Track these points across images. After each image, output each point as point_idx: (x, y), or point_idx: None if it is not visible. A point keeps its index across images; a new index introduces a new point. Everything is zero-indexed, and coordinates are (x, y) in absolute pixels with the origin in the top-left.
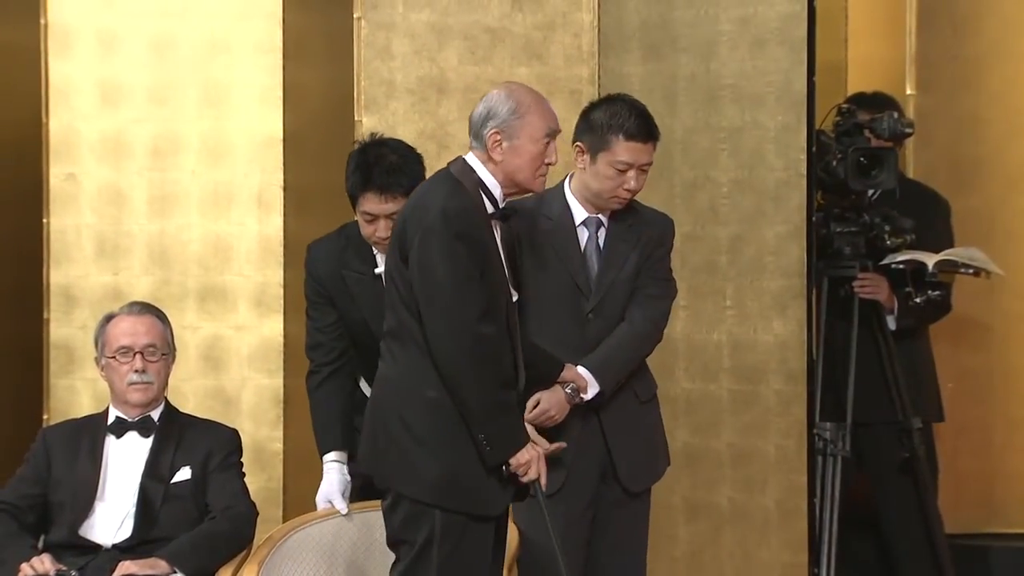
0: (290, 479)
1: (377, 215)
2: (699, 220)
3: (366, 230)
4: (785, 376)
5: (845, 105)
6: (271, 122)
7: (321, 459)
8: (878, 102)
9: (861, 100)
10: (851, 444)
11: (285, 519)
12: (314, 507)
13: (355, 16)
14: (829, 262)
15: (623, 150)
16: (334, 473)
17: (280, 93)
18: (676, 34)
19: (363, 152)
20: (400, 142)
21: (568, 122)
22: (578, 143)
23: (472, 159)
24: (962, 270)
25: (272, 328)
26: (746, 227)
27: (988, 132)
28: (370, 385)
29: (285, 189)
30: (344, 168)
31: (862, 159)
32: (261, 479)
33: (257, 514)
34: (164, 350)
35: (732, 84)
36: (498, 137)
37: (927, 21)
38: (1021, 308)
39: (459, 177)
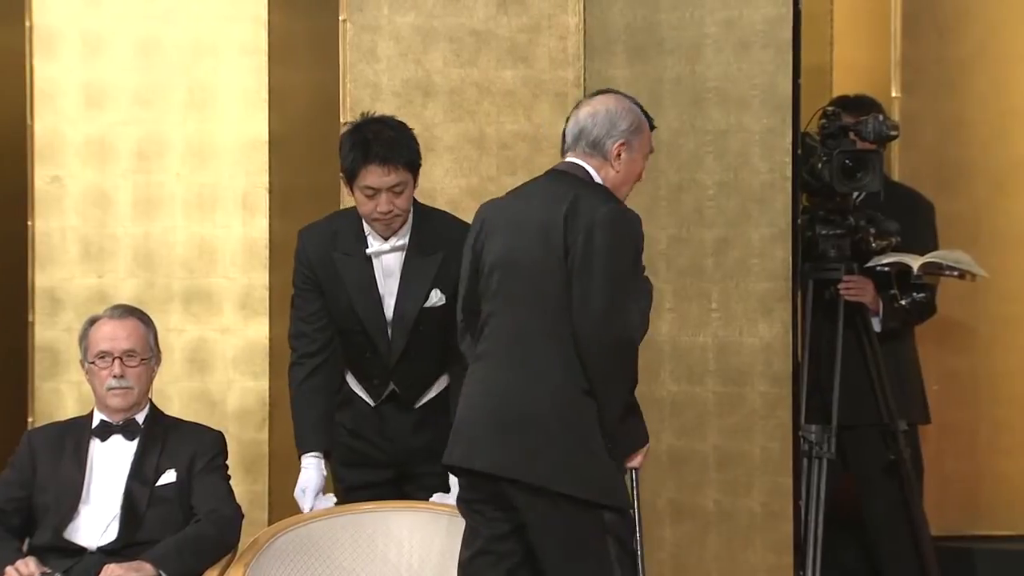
0: (275, 482)
1: (379, 188)
2: (684, 223)
3: (366, 207)
4: (770, 379)
5: (830, 108)
6: (256, 124)
7: (300, 455)
8: (863, 105)
9: (846, 103)
10: (836, 446)
11: (271, 522)
12: (300, 510)
13: (340, 18)
14: (814, 264)
15: (649, 139)
16: (313, 470)
17: (265, 95)
18: (661, 36)
19: (359, 129)
20: (393, 118)
21: (554, 125)
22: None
23: (586, 165)
24: (947, 272)
25: (257, 331)
26: (731, 230)
27: (973, 135)
28: (358, 380)
29: (270, 191)
30: (327, 170)
31: (847, 161)
32: (246, 482)
33: (243, 517)
34: (145, 355)
35: (717, 87)
36: (622, 148)
37: (912, 24)
38: (1006, 311)
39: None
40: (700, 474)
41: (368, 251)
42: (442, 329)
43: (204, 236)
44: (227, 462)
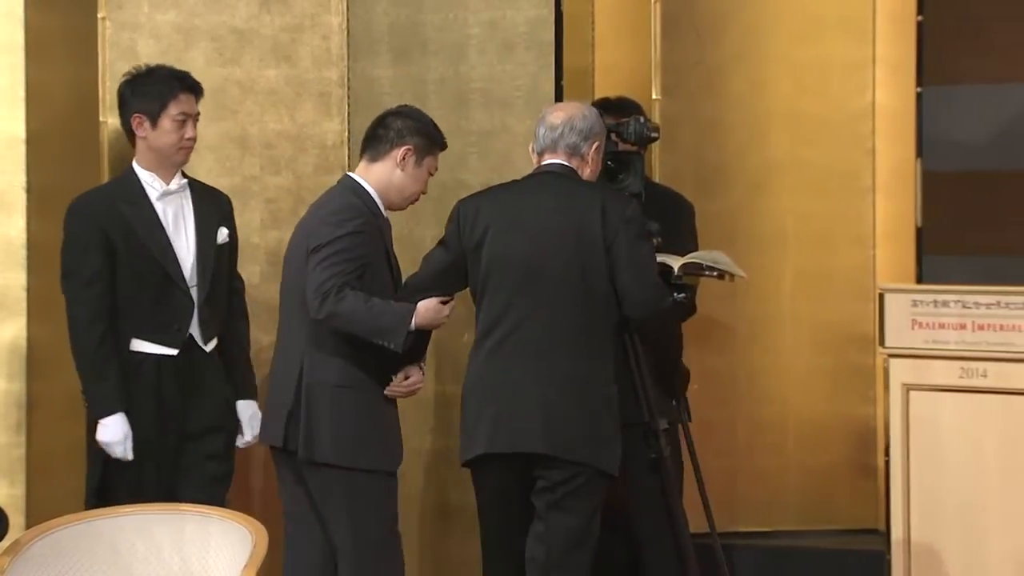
0: (33, 485)
1: (189, 115)
2: None
3: (174, 136)
4: None
5: None
6: (13, 123)
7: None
8: (624, 107)
9: (607, 105)
10: None
11: (28, 526)
12: (57, 513)
13: (100, 16)
14: None
15: (437, 157)
16: (121, 422)
17: (22, 93)
18: (425, 37)
19: (155, 70)
20: None
21: (318, 124)
22: (409, 146)
23: (569, 165)
24: (707, 273)
25: (14, 331)
26: None
27: (730, 136)
28: (153, 335)
29: (28, 191)
30: (87, 169)
31: (609, 163)
32: (3, 486)
33: (7, 527)
34: None
35: (481, 88)
36: (596, 150)
37: (671, 27)
38: (763, 311)
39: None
40: (468, 474)
41: (160, 191)
42: (229, 267)
43: None
44: None
